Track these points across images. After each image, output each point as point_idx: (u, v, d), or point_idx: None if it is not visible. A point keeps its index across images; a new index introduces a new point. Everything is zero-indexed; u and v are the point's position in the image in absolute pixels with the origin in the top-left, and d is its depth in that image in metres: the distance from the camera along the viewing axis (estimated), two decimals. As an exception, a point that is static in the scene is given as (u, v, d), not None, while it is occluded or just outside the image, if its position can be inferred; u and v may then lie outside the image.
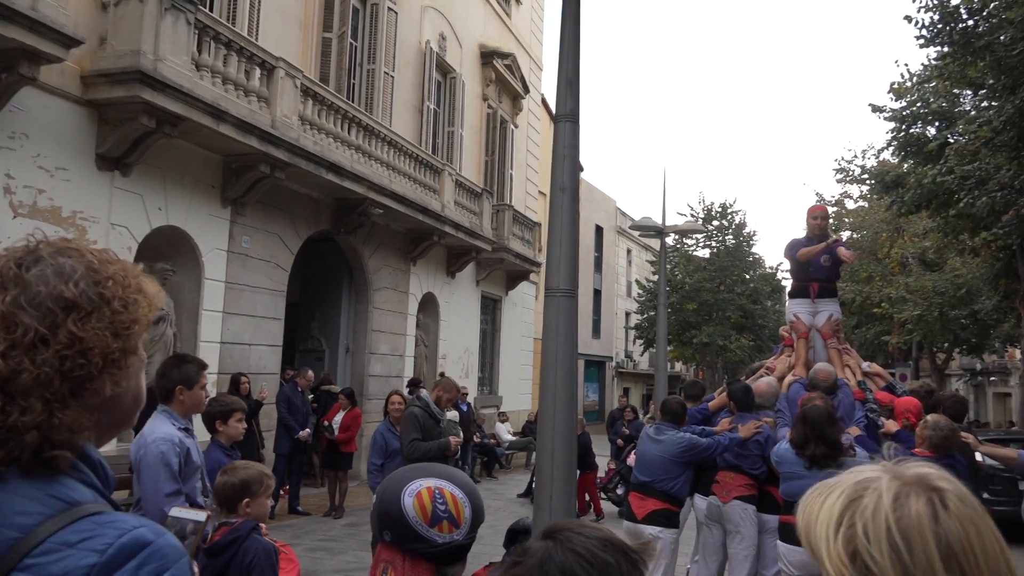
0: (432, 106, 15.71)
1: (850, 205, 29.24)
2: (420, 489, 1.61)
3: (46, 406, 0.96)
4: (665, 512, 5.29)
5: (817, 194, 29.70)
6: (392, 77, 13.81)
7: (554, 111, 5.67)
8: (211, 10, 9.74)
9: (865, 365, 6.53)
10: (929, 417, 4.68)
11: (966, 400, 7.24)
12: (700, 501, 5.83)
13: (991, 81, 12.06)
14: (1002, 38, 10.82)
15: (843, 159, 38.84)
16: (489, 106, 18.61)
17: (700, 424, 5.87)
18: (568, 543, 1.16)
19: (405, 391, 12.52)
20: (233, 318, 10.10)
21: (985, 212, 13.54)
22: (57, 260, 1.02)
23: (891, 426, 5.27)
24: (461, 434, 7.44)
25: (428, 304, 15.91)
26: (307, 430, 10.42)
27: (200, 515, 2.36)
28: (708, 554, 5.71)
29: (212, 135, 8.93)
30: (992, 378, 33.57)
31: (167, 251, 9.34)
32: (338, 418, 10.72)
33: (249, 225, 10.49)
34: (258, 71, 9.54)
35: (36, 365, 0.96)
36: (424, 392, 7.21)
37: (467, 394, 14.45)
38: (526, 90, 20.42)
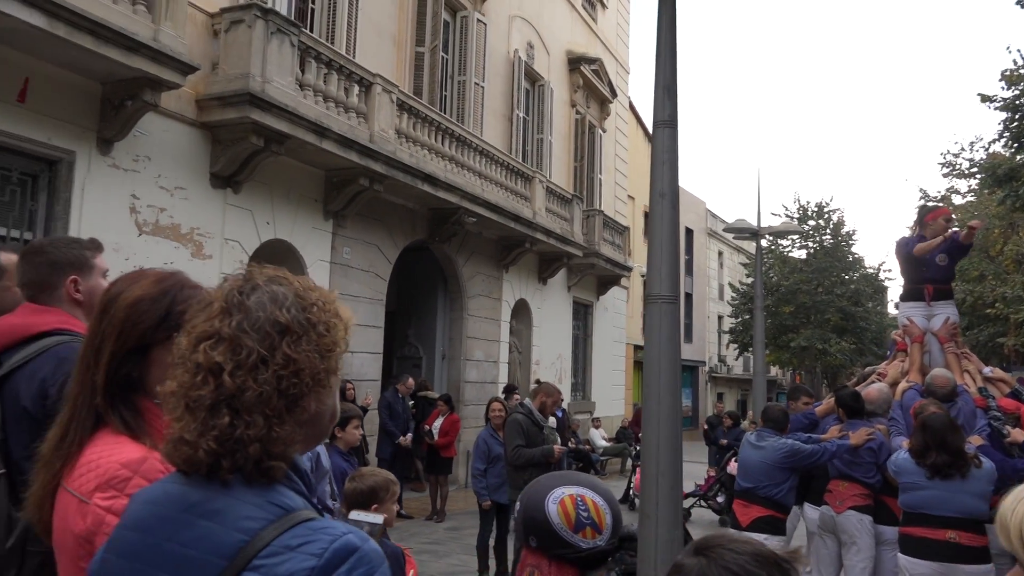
0: (521, 114, 15.86)
1: (957, 201, 27.81)
2: (563, 496, 1.67)
3: (266, 421, 1.06)
4: (770, 519, 5.18)
5: (921, 190, 28.40)
6: (482, 87, 14.02)
7: (652, 117, 5.66)
8: (311, 30, 10.15)
9: (987, 370, 6.22)
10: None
11: None
12: (811, 511, 5.68)
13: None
14: None
15: (949, 152, 36.98)
16: (577, 112, 18.65)
17: (806, 431, 5.73)
18: (721, 560, 1.19)
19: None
20: (336, 327, 10.45)
21: (1112, 204, 12.70)
22: (271, 288, 1.13)
23: (1018, 435, 5.01)
24: (559, 440, 7.49)
25: (521, 310, 16.05)
26: (408, 435, 10.68)
27: (377, 518, 2.50)
28: (823, 566, 5.55)
29: (315, 151, 9.29)
30: (1122, 382, 31.22)
31: (274, 263, 9.55)
32: (437, 423, 10.93)
33: (349, 236, 10.85)
34: (357, 88, 9.87)
35: (258, 384, 1.06)
36: (527, 399, 7.29)
37: (562, 400, 14.50)
38: (613, 94, 20.35)
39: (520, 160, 14.95)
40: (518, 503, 1.76)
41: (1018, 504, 0.98)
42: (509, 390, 12.30)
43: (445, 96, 13.37)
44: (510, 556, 7.33)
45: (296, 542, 1.02)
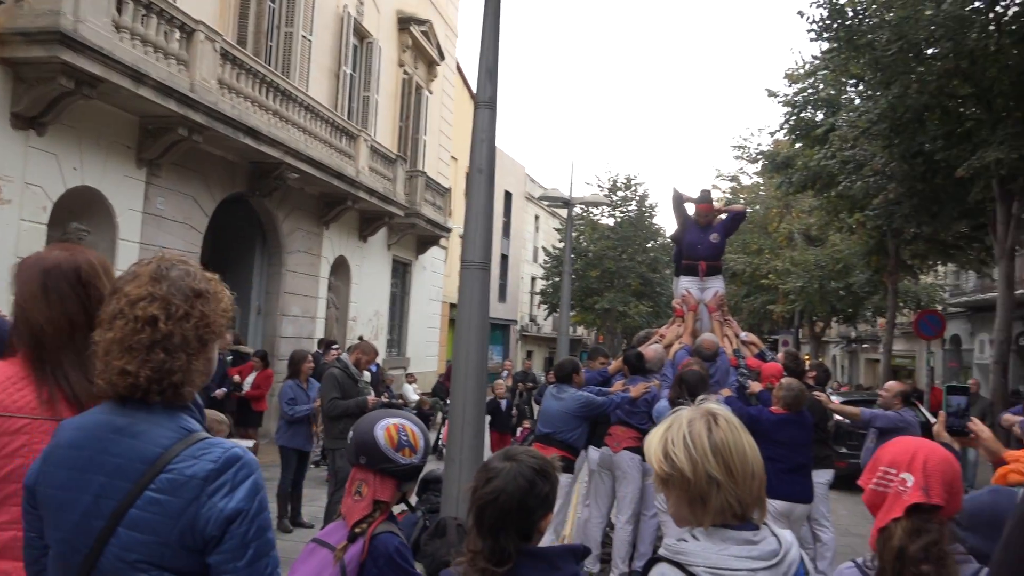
0: (348, 71, 15.81)
1: (745, 181, 30.92)
2: (388, 424, 2.18)
3: (188, 357, 1.50)
4: (563, 459, 5.99)
5: (716, 168, 31.24)
6: (309, 41, 13.87)
7: (475, 95, 6.13)
8: (128, -32, 9.65)
9: (743, 335, 7.41)
10: (783, 380, 5.53)
11: (829, 368, 8.34)
12: (593, 452, 6.58)
13: (868, 76, 13.16)
14: (881, 38, 11.85)
15: (741, 137, 40.71)
16: (405, 72, 18.79)
17: (600, 385, 6.61)
18: (526, 462, 1.80)
19: (317, 351, 12.86)
20: (147, 278, 10.19)
21: (861, 195, 14.86)
22: (183, 266, 1.57)
23: (755, 387, 6.13)
24: (372, 393, 7.98)
25: (340, 267, 16.19)
26: (223, 389, 10.65)
27: (249, 443, 2.88)
28: (599, 498, 6.48)
29: (130, 97, 8.96)
30: (864, 345, 36.25)
31: (81, 211, 9.35)
32: (250, 378, 10.99)
33: (164, 187, 10.54)
34: (178, 33, 9.57)
35: (183, 330, 1.49)
36: (344, 354, 7.68)
37: (377, 357, 14.88)
38: (441, 57, 20.63)
39: (345, 118, 14.97)
40: (351, 432, 2.24)
41: (648, 436, 1.62)
42: (326, 345, 12.52)
43: (271, 47, 13.11)
44: (306, 502, 8.05)
45: (199, 453, 1.46)
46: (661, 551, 1.58)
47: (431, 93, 20.45)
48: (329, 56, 15.05)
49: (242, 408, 10.95)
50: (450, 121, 22.75)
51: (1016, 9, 11.04)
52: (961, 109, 12.17)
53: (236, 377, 10.91)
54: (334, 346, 12.21)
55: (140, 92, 8.86)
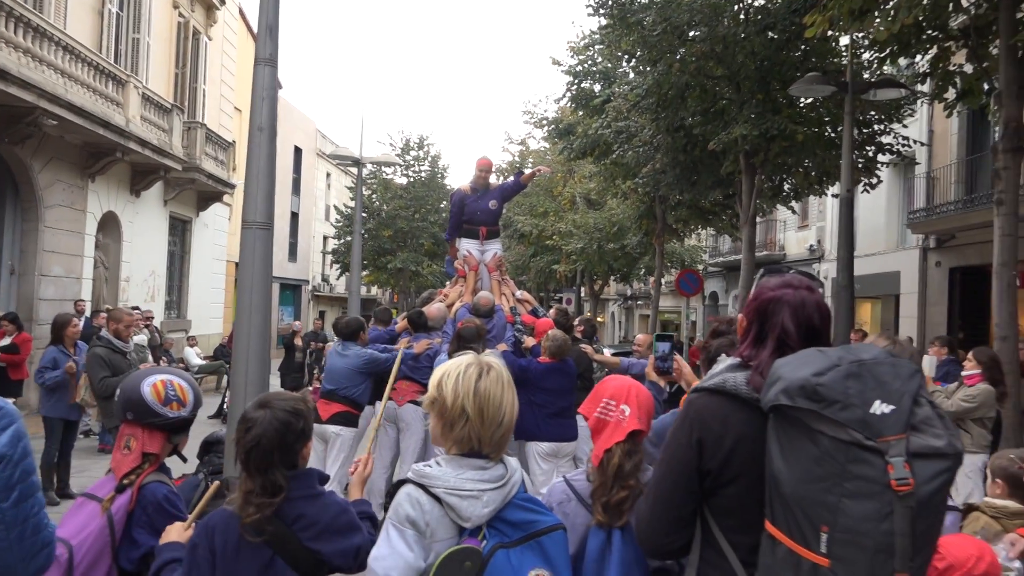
0: (114, 9, 14.51)
1: (533, 145, 32.17)
2: (155, 380, 2.27)
3: None
4: (346, 414, 6.22)
5: (505, 132, 32.18)
6: (66, -27, 12.58)
7: (256, 52, 5.98)
8: None
9: (518, 293, 7.94)
10: (549, 332, 6.09)
11: (595, 323, 9.20)
12: (379, 407, 6.80)
13: (639, 53, 14.21)
14: (648, 19, 12.83)
15: (530, 103, 42.14)
16: (180, 14, 17.52)
17: (387, 343, 6.84)
18: (279, 408, 1.99)
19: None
20: None
21: (632, 163, 16.10)
22: None
23: (529, 342, 6.66)
24: (150, 359, 7.64)
25: (109, 224, 15.02)
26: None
27: None
28: (383, 449, 6.75)
29: None
30: (639, 302, 39.37)
31: None
32: (3, 342, 10.04)
33: None
34: (-101, -46, 8.37)
35: None
36: (104, 331, 7.19)
37: (152, 318, 14.02)
38: (222, 0, 19.44)
39: (112, 61, 13.78)
40: (119, 390, 2.30)
41: (442, 366, 1.89)
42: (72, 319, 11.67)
43: (18, -23, 11.73)
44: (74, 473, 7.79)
45: None
46: (408, 474, 1.85)
47: (211, 39, 19.25)
48: (91, -9, 13.73)
49: (-3, 377, 10.00)
50: (233, 71, 21.56)
51: (760, 2, 12.46)
52: (716, 89, 13.50)
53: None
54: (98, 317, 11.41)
55: None
